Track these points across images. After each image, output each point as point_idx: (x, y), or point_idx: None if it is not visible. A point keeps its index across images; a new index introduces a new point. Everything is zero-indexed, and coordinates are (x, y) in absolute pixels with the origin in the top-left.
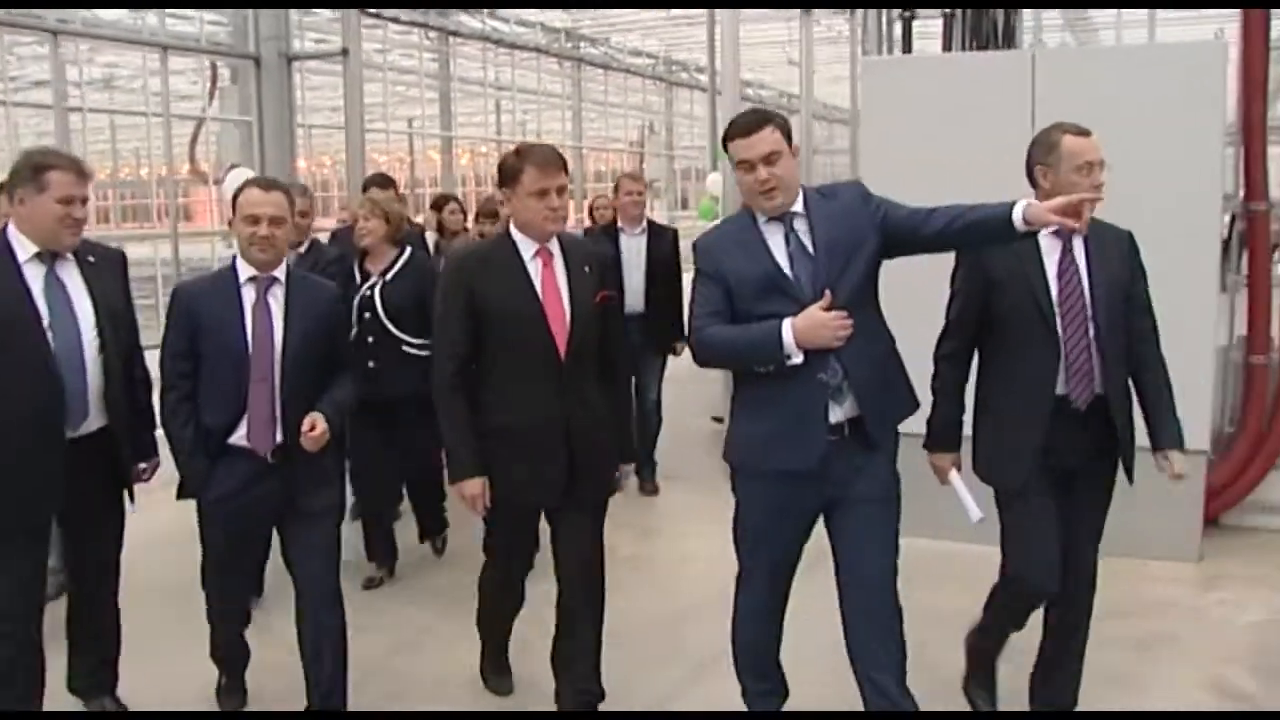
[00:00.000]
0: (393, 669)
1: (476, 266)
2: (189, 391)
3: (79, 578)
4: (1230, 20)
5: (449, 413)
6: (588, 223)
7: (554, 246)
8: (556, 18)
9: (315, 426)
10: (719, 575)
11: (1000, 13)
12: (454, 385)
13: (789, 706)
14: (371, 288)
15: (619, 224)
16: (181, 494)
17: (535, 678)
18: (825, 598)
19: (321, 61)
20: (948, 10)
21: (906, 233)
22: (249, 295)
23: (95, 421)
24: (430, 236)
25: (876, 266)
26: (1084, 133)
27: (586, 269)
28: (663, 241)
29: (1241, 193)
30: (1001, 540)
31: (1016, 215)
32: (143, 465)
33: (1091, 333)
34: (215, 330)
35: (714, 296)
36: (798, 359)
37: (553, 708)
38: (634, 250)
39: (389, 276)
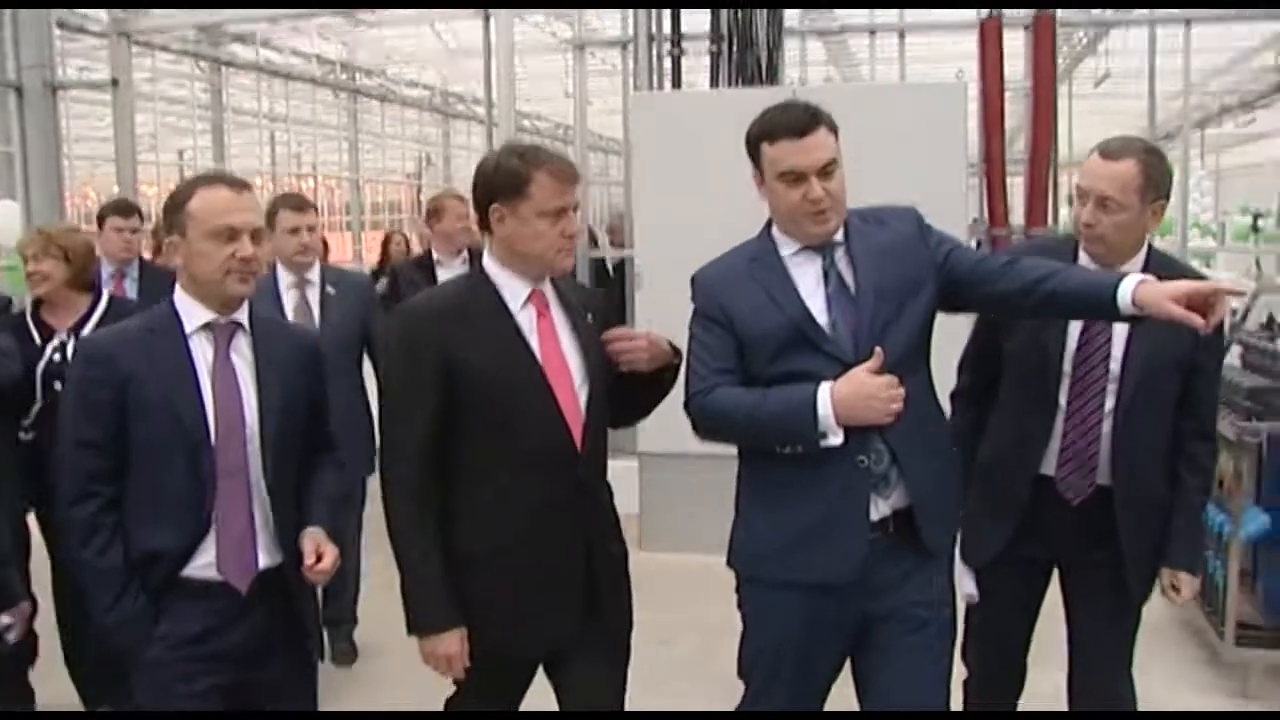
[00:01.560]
0: None
1: (452, 320)
2: (111, 499)
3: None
4: (969, 60)
5: (411, 538)
6: (377, 257)
7: (547, 288)
8: (331, 49)
9: (324, 554)
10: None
11: (764, 51)
12: (419, 495)
13: None
14: (60, 349)
15: (435, 255)
16: (104, 657)
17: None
18: None
19: (85, 90)
20: (714, 48)
21: (973, 285)
22: (202, 350)
23: None
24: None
25: (932, 319)
26: (1111, 155)
27: (590, 316)
28: None
29: (986, 220)
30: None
31: (1124, 296)
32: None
33: (1108, 408)
34: (156, 404)
35: (721, 349)
36: (836, 439)
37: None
38: None
39: (86, 333)
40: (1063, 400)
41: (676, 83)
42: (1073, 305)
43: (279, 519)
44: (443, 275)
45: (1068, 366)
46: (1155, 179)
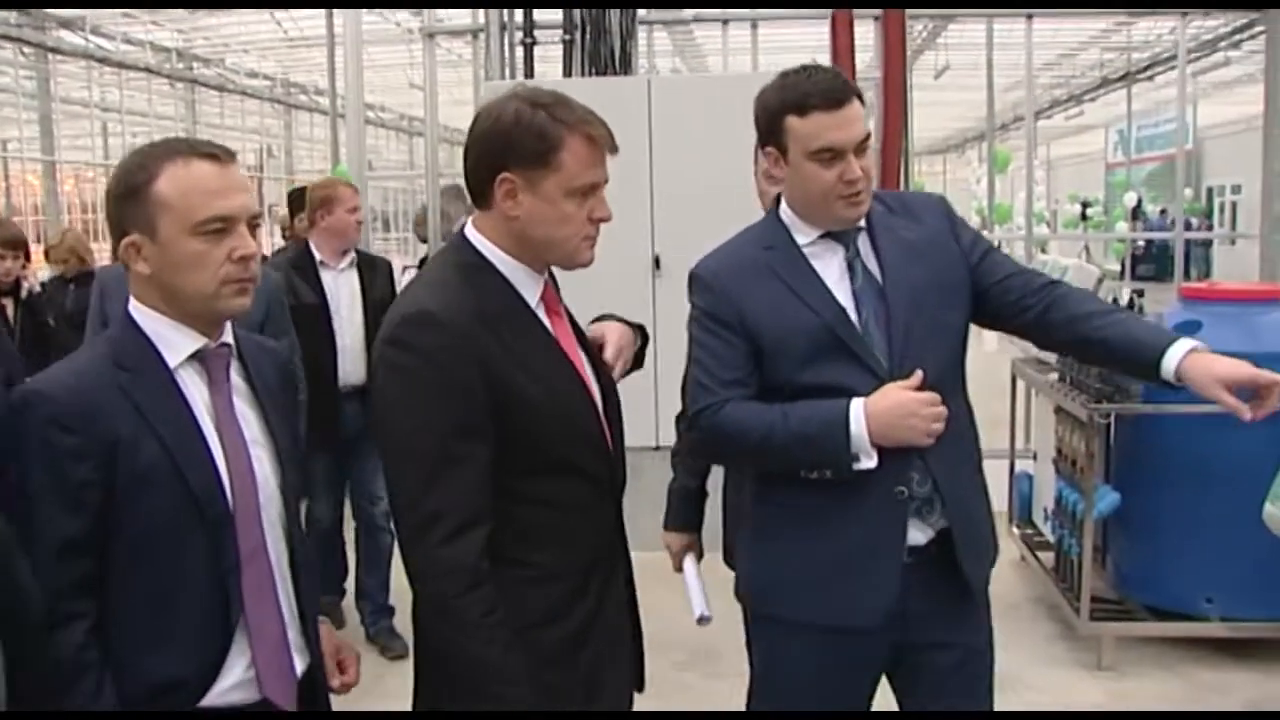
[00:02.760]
0: None
1: (485, 330)
2: (98, 618)
3: None
4: (822, 52)
5: (485, 631)
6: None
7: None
8: (167, 37)
9: (347, 665)
10: None
11: (617, 40)
12: (480, 574)
13: None
14: None
15: (318, 255)
16: None
17: None
18: None
19: None
20: (567, 37)
21: (1006, 302)
22: (196, 389)
23: None
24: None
25: (968, 328)
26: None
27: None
28: (379, 277)
29: None
30: None
31: (1168, 365)
32: None
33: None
34: (159, 474)
35: (731, 356)
36: (870, 463)
37: None
38: (345, 292)
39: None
40: None
41: (529, 73)
42: (1116, 357)
43: (303, 606)
44: (330, 281)
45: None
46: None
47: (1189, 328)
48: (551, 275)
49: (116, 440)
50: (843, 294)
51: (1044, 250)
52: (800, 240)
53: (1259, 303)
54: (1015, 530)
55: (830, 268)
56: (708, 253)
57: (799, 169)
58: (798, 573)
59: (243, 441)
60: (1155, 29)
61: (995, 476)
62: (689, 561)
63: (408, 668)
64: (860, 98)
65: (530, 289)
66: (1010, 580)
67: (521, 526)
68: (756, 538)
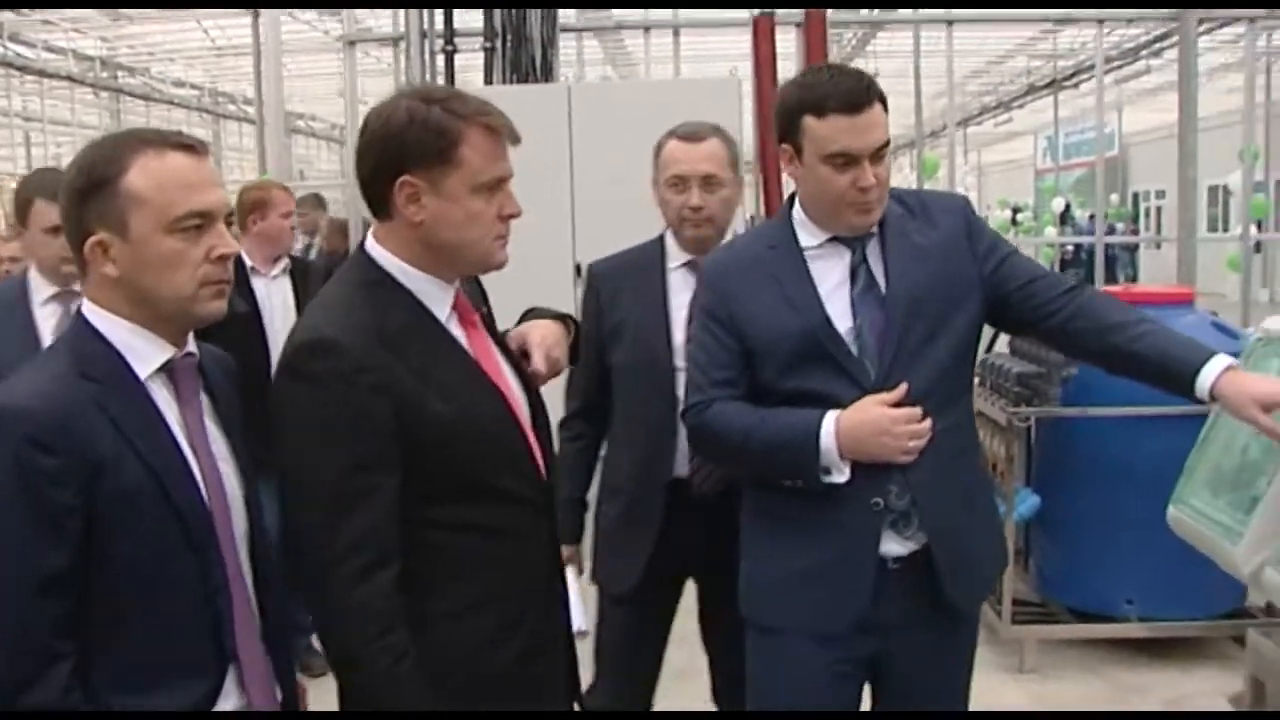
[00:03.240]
0: None
1: (390, 351)
2: (79, 660)
3: None
4: (743, 60)
5: (395, 685)
6: None
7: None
8: (90, 45)
9: (304, 692)
10: None
11: (539, 48)
12: (388, 619)
13: None
14: None
15: (248, 262)
16: None
17: None
18: None
19: None
20: (488, 44)
21: (1027, 309)
22: (165, 401)
23: None
24: None
25: (976, 340)
26: (693, 137)
27: (490, 312)
28: (313, 283)
29: (763, 212)
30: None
31: (1203, 383)
32: None
33: None
34: (146, 498)
35: (722, 354)
36: (840, 477)
37: None
38: (278, 300)
39: None
40: (680, 394)
41: (450, 80)
42: (1146, 371)
43: (273, 634)
44: (261, 290)
45: (679, 362)
46: (736, 155)
47: None
48: (480, 285)
49: (99, 461)
50: (840, 300)
51: None
52: (806, 242)
53: (1171, 305)
54: None
55: (833, 272)
56: (719, 246)
57: (813, 171)
58: (778, 579)
59: (214, 462)
60: (1080, 37)
61: None
62: (570, 573)
63: (329, 684)
64: (884, 102)
65: (439, 302)
66: None
67: (443, 556)
68: (747, 544)
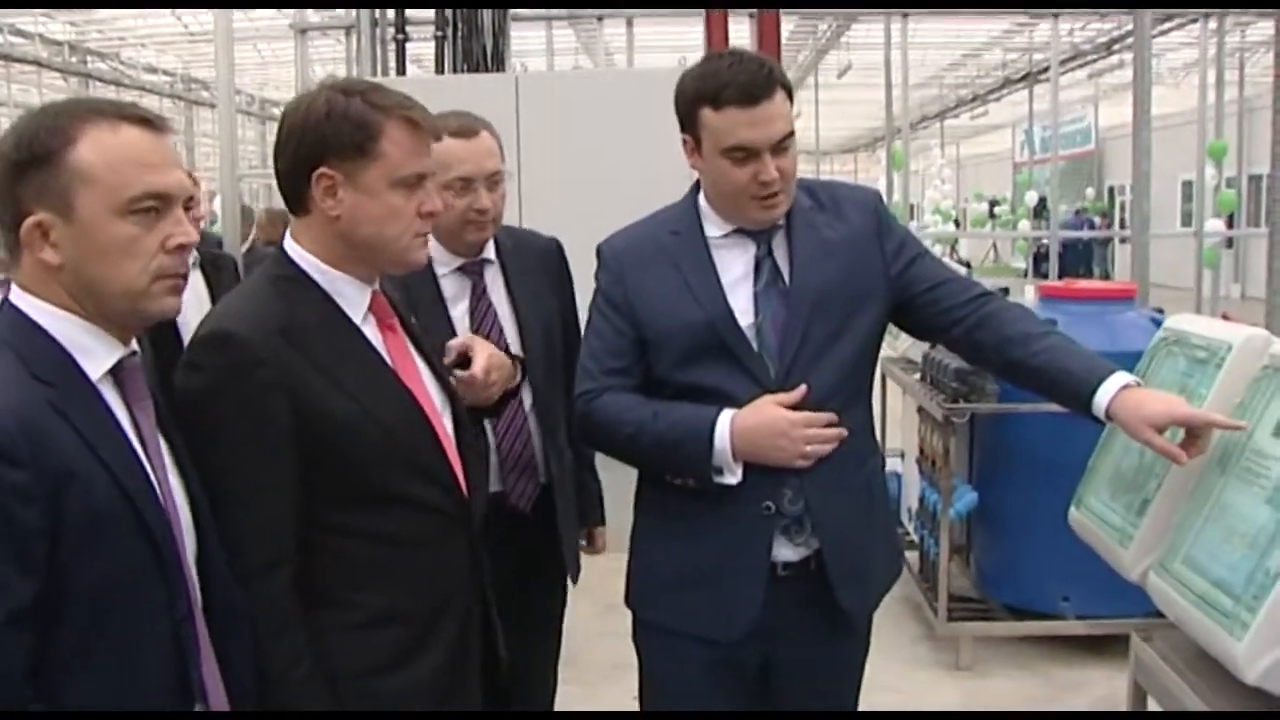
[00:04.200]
0: None
1: (295, 347)
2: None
3: None
4: (695, 51)
5: (290, 688)
6: None
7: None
8: (59, 29)
9: None
10: None
11: (490, 38)
12: (286, 619)
13: None
14: None
15: None
16: None
17: None
18: None
19: None
20: (439, 34)
21: (932, 315)
22: (115, 406)
23: None
24: None
25: (878, 342)
26: (468, 132)
27: (415, 321)
28: (225, 277)
29: None
30: None
31: (1099, 402)
32: None
33: (528, 405)
34: (114, 516)
35: (618, 343)
36: (733, 479)
37: None
38: (189, 296)
39: None
40: None
41: (400, 69)
42: (1047, 387)
43: (231, 654)
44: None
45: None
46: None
47: None
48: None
49: (67, 475)
50: (743, 294)
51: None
52: (710, 231)
53: (1115, 301)
54: None
55: (737, 264)
56: (620, 228)
57: (711, 164)
58: (666, 578)
59: (165, 470)
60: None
61: None
62: None
63: None
64: (788, 89)
65: (354, 302)
66: None
67: (347, 564)
68: (636, 538)
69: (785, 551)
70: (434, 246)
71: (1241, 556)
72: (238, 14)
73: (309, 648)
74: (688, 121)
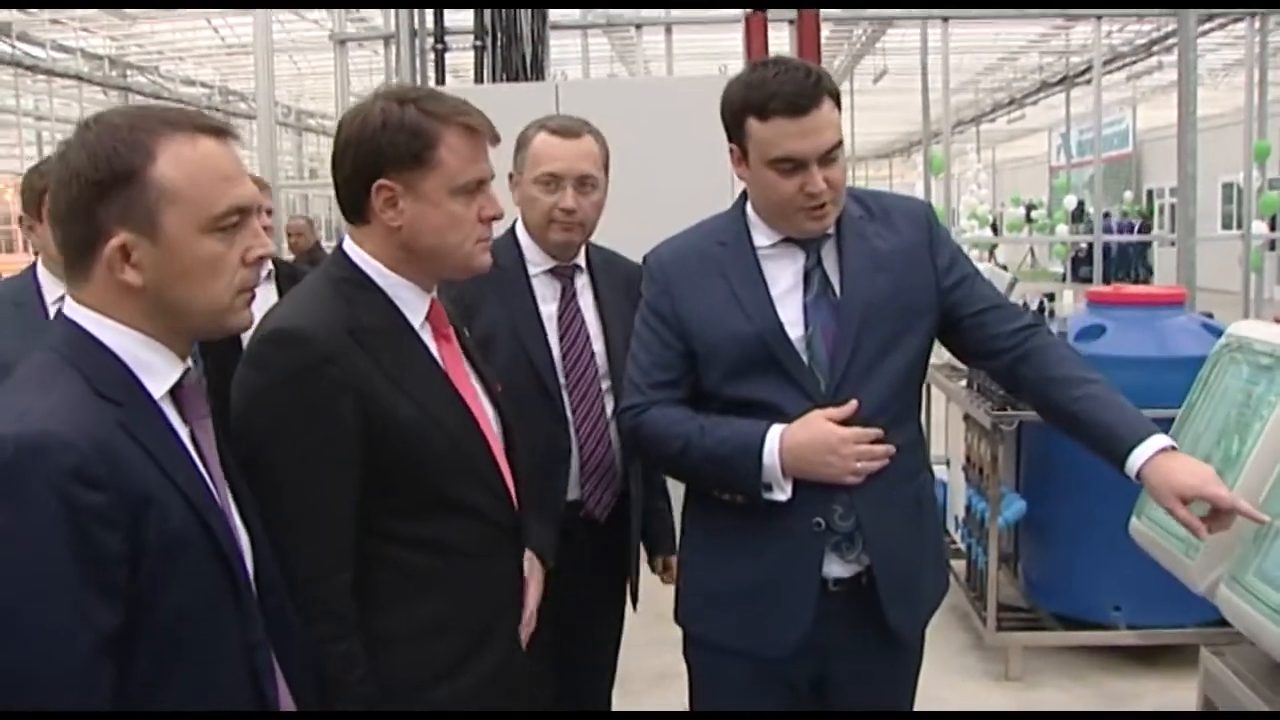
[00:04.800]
0: None
1: (363, 348)
2: None
3: None
4: (733, 59)
5: (348, 692)
6: None
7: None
8: (99, 44)
9: None
10: None
11: (529, 46)
12: (345, 624)
13: None
14: None
15: None
16: None
17: None
18: None
19: None
20: (478, 43)
21: (975, 343)
22: (177, 425)
23: None
24: None
25: (927, 358)
26: (567, 132)
27: (466, 332)
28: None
29: None
30: None
31: (1133, 466)
32: None
33: (609, 406)
34: (184, 534)
35: (665, 355)
36: (782, 495)
37: None
38: (259, 312)
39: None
40: (567, 407)
41: (440, 78)
42: (1082, 435)
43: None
44: None
45: (563, 379)
46: (608, 153)
47: (1093, 333)
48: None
49: (148, 499)
50: (792, 305)
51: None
52: (759, 241)
53: (1163, 306)
54: None
55: (785, 274)
56: (666, 238)
57: (758, 175)
58: (716, 594)
59: (226, 491)
60: (1093, 33)
61: None
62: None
63: None
64: (835, 97)
65: (415, 307)
66: None
67: (402, 574)
68: (685, 553)
69: (836, 568)
70: (528, 245)
71: None
72: (275, 26)
73: (364, 653)
74: (734, 131)
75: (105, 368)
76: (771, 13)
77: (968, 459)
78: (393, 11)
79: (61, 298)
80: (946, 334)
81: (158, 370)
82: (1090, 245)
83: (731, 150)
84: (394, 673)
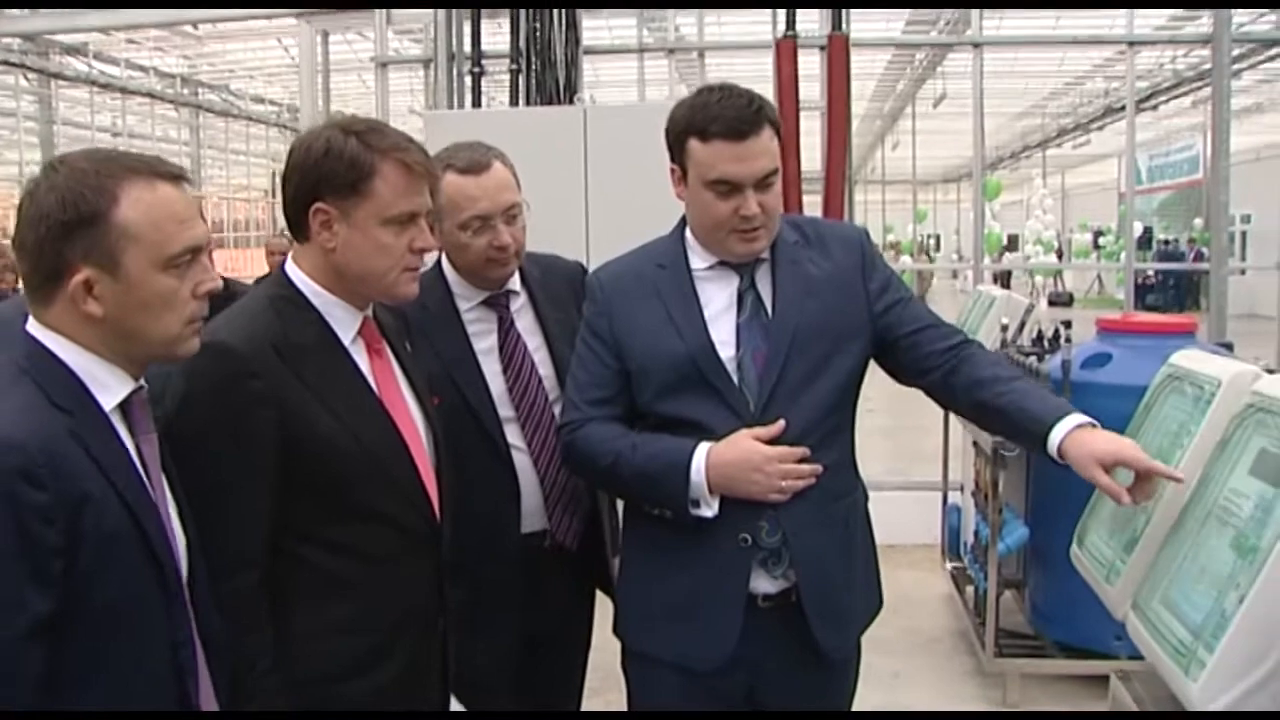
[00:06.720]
0: None
1: (286, 363)
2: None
3: None
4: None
5: (253, 682)
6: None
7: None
8: (172, 63)
9: None
10: None
11: (563, 70)
12: (255, 619)
13: None
14: None
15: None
16: None
17: None
18: None
19: None
20: (515, 67)
21: (910, 362)
22: (124, 435)
23: None
24: None
25: (859, 380)
26: (477, 168)
27: (408, 346)
28: None
29: None
30: None
31: (1053, 442)
32: None
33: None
34: (118, 533)
35: (601, 373)
36: (709, 511)
37: None
38: None
39: None
40: (525, 443)
41: (476, 101)
42: (1008, 427)
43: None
44: None
45: (512, 412)
46: (513, 166)
47: (1098, 361)
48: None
49: (84, 498)
50: (725, 326)
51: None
52: (695, 264)
53: (1173, 335)
54: (947, 564)
55: (720, 296)
56: (609, 260)
57: (696, 195)
58: (649, 608)
59: (165, 499)
60: (1159, 58)
61: (930, 509)
62: None
63: None
64: (776, 127)
65: (345, 325)
66: (939, 614)
67: (318, 574)
68: (623, 569)
69: (764, 584)
70: (456, 281)
71: (1207, 597)
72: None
73: (273, 647)
74: (676, 151)
75: (60, 380)
76: (802, 38)
77: (976, 484)
78: (432, 37)
79: None
80: (882, 355)
81: (109, 386)
82: (1159, 272)
83: (672, 170)
84: (310, 666)
